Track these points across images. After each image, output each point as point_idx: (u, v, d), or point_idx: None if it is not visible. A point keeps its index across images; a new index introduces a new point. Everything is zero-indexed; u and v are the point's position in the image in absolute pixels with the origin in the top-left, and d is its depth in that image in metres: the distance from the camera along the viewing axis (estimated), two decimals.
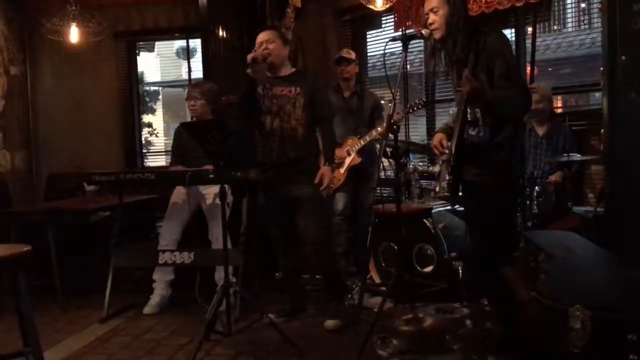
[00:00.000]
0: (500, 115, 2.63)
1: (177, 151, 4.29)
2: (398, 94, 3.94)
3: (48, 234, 4.02)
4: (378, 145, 4.09)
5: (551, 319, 1.61)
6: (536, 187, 3.73)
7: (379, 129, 4.15)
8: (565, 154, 3.70)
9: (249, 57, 3.36)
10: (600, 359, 1.48)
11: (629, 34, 2.49)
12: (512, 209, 3.08)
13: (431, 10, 2.75)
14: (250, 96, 3.51)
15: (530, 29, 4.43)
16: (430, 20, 2.76)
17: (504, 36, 2.78)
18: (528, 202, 3.69)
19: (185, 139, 4.03)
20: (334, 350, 3.18)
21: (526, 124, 4.04)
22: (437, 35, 2.76)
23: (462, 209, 3.92)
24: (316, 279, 4.03)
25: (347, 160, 4.30)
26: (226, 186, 3.19)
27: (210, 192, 3.99)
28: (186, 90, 4.37)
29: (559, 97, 6.07)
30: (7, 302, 2.70)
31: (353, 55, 4.46)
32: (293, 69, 3.65)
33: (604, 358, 1.48)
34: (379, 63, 5.37)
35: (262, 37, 3.51)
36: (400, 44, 2.94)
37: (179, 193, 4.09)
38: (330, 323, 3.46)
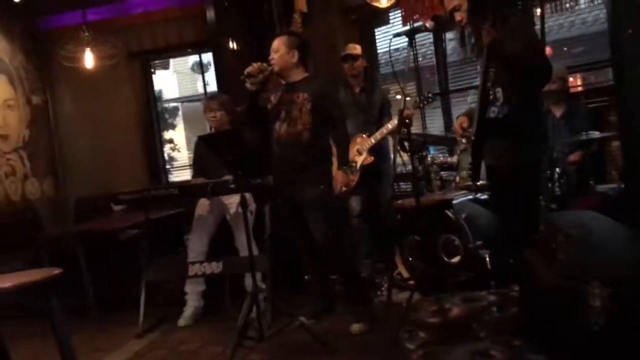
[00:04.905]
0: (521, 70, 2.54)
1: (197, 164, 4.38)
2: (411, 87, 3.93)
3: (79, 255, 4.12)
4: (391, 140, 4.08)
5: (571, 298, 1.62)
6: (557, 169, 3.70)
7: (389, 125, 4.15)
8: (583, 133, 3.67)
9: (245, 71, 3.41)
10: (621, 335, 1.48)
11: (634, 7, 2.47)
12: (533, 191, 3.05)
13: (454, 9, 2.74)
14: (254, 106, 3.56)
15: (539, 11, 4.38)
16: (459, 18, 2.75)
17: (527, 17, 2.72)
18: (550, 185, 3.66)
19: (203, 151, 4.11)
20: (365, 347, 3.21)
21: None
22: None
23: (484, 197, 3.92)
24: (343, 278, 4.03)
25: (359, 160, 4.26)
26: (247, 194, 3.24)
27: (233, 201, 4.04)
28: (203, 103, 4.43)
29: (578, 76, 5.99)
30: (47, 324, 2.77)
31: (359, 49, 4.43)
32: (305, 74, 3.60)
33: (624, 333, 1.48)
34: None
35: (273, 45, 3.56)
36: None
37: (203, 205, 4.17)
38: (355, 327, 3.45)
